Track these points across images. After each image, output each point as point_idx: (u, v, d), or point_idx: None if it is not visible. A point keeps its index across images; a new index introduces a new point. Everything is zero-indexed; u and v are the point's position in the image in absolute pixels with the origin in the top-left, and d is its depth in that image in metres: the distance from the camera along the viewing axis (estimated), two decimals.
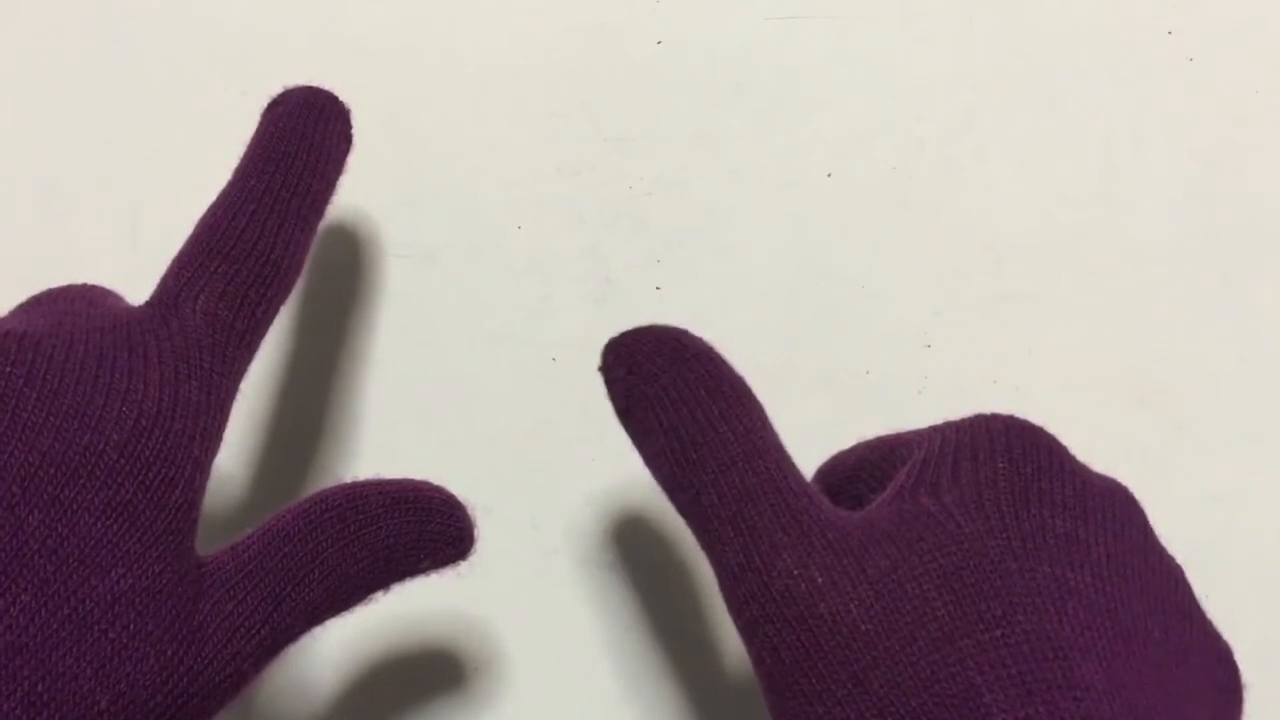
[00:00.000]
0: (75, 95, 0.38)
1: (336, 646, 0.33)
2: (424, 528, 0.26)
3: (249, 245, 0.27)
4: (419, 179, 0.37)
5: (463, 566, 0.33)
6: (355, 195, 0.37)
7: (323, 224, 0.36)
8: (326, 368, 0.35)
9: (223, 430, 0.26)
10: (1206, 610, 0.26)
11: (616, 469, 0.34)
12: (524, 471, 0.34)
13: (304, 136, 0.29)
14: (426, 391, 0.35)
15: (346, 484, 0.25)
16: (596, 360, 0.37)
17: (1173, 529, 0.34)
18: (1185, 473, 0.35)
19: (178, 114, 0.38)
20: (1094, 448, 0.35)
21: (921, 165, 0.37)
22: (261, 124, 0.29)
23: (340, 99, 0.30)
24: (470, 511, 0.27)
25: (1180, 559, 0.34)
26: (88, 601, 0.21)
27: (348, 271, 0.36)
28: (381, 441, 0.35)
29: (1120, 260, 0.36)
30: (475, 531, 0.27)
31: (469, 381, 0.35)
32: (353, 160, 0.37)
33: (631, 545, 0.34)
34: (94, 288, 0.27)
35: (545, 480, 0.34)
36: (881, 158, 0.37)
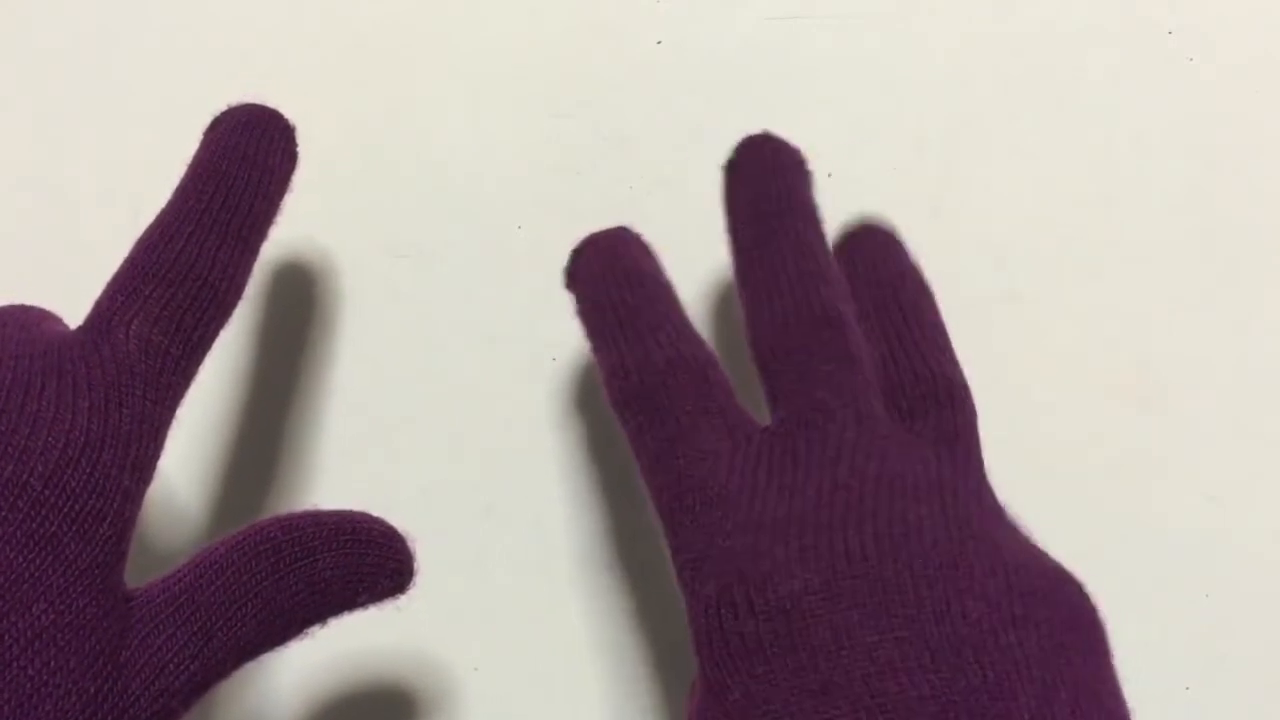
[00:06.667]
0: (75, 95, 0.38)
1: (333, 644, 0.33)
2: (362, 560, 0.25)
3: (185, 268, 0.26)
4: (419, 179, 0.37)
5: (464, 570, 0.33)
6: (355, 195, 0.37)
7: (322, 224, 0.36)
8: (325, 368, 0.35)
9: (156, 460, 0.25)
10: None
11: (617, 469, 0.34)
12: (524, 471, 0.34)
13: (245, 155, 0.28)
14: (426, 391, 0.35)
15: (283, 515, 0.25)
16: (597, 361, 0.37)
17: (1173, 529, 0.34)
18: (1185, 473, 0.35)
19: (178, 113, 0.38)
20: (1094, 448, 0.35)
21: (921, 165, 0.37)
22: (202, 143, 0.29)
23: (284, 116, 0.29)
24: (410, 544, 0.26)
25: (1180, 559, 0.34)
26: (7, 637, 0.21)
27: (347, 272, 0.36)
28: (380, 442, 0.35)
29: (1120, 260, 0.36)
30: (415, 564, 0.26)
31: (469, 381, 0.35)
32: (353, 160, 0.37)
33: (631, 545, 0.34)
34: (29, 309, 0.27)
35: (545, 480, 0.34)
36: (881, 158, 0.37)
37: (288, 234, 0.33)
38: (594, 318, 0.29)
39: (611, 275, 0.29)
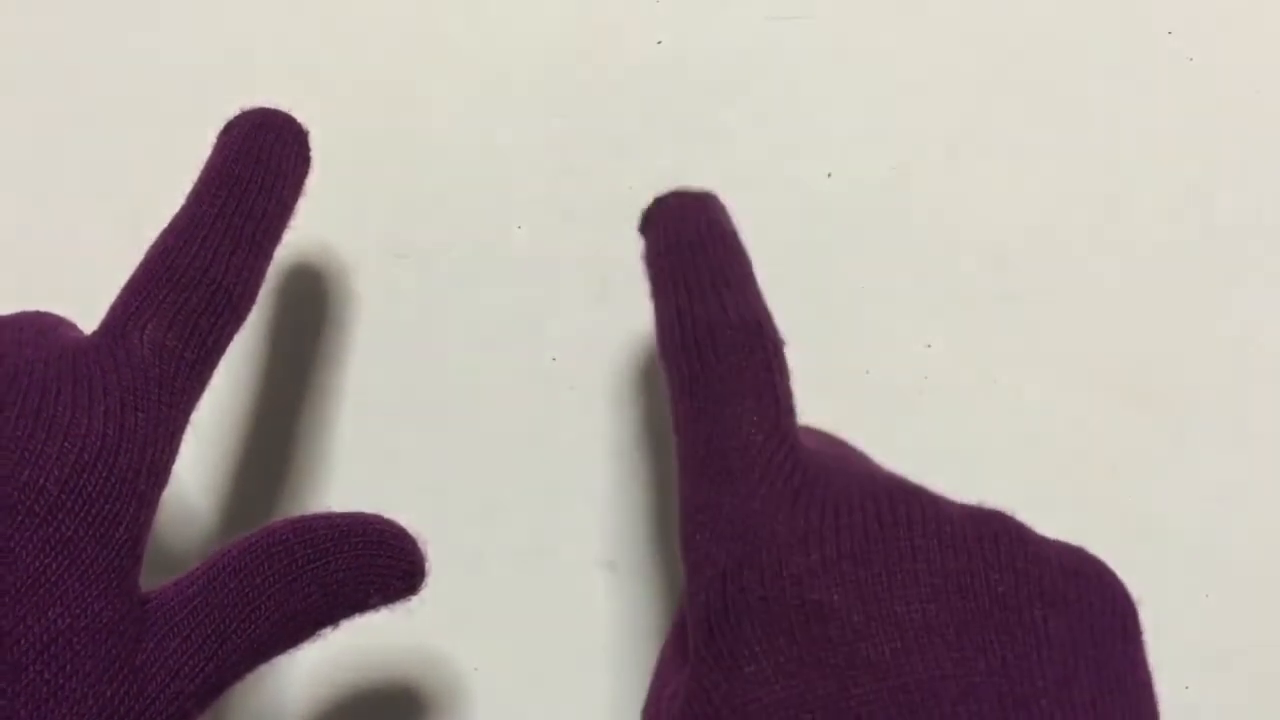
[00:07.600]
0: (76, 96, 0.38)
1: (335, 644, 0.33)
2: (374, 561, 0.25)
3: (199, 272, 0.26)
4: (419, 179, 0.37)
5: (465, 570, 0.33)
6: (356, 195, 0.37)
7: (322, 224, 0.36)
8: (325, 368, 0.35)
9: (171, 464, 0.25)
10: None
11: (616, 469, 0.34)
12: (524, 471, 0.34)
13: (258, 159, 0.28)
14: (426, 392, 0.35)
15: (295, 517, 0.25)
16: (596, 360, 0.37)
17: (1173, 529, 0.34)
18: (1185, 473, 0.35)
19: (179, 114, 0.38)
20: (1094, 448, 0.35)
21: (921, 165, 0.37)
22: (215, 148, 0.29)
23: (297, 120, 0.29)
24: (422, 545, 0.26)
25: (1180, 559, 0.34)
26: (24, 641, 0.21)
27: (348, 272, 0.36)
28: (381, 442, 0.35)
29: (1120, 260, 0.36)
30: (426, 565, 0.26)
31: (469, 382, 0.35)
32: (354, 160, 0.37)
33: (631, 545, 0.34)
34: (44, 315, 0.27)
35: (545, 480, 0.34)
36: (881, 158, 0.37)
37: (289, 234, 0.33)
38: (669, 258, 0.27)
39: (698, 223, 0.28)
